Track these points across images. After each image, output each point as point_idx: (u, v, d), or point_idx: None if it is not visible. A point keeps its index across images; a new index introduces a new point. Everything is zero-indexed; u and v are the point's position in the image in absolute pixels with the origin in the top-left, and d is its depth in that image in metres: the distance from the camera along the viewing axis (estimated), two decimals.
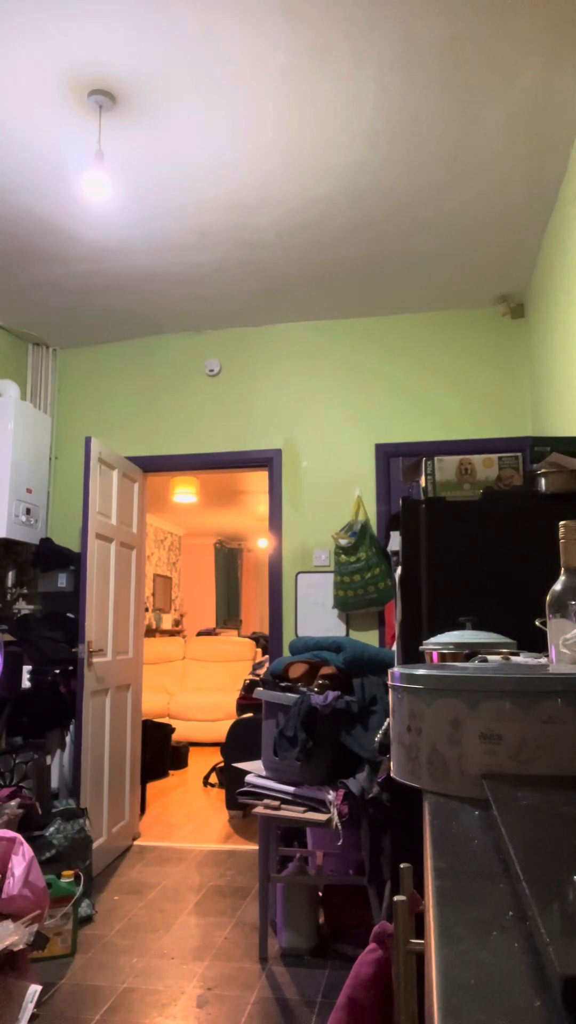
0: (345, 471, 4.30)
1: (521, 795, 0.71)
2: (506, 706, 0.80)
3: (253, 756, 4.04)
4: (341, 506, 4.27)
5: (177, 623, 9.91)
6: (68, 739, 3.96)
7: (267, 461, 4.40)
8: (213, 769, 5.71)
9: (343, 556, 4.05)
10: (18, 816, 2.99)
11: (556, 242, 3.19)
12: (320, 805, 2.77)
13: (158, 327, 4.54)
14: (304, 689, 3.03)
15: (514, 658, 1.46)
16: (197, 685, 7.95)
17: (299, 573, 4.24)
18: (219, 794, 5.33)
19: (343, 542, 4.03)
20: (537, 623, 1.50)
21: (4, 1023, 2.11)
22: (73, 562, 4.30)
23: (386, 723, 2.72)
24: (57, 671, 3.90)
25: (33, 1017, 2.30)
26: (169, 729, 5.98)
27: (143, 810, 4.73)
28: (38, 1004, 2.42)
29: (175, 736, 6.42)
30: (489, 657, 1.44)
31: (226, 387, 4.53)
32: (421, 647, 1.77)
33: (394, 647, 2.82)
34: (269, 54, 2.38)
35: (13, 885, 2.35)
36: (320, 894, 3.05)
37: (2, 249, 3.56)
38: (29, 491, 4.23)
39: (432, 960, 0.44)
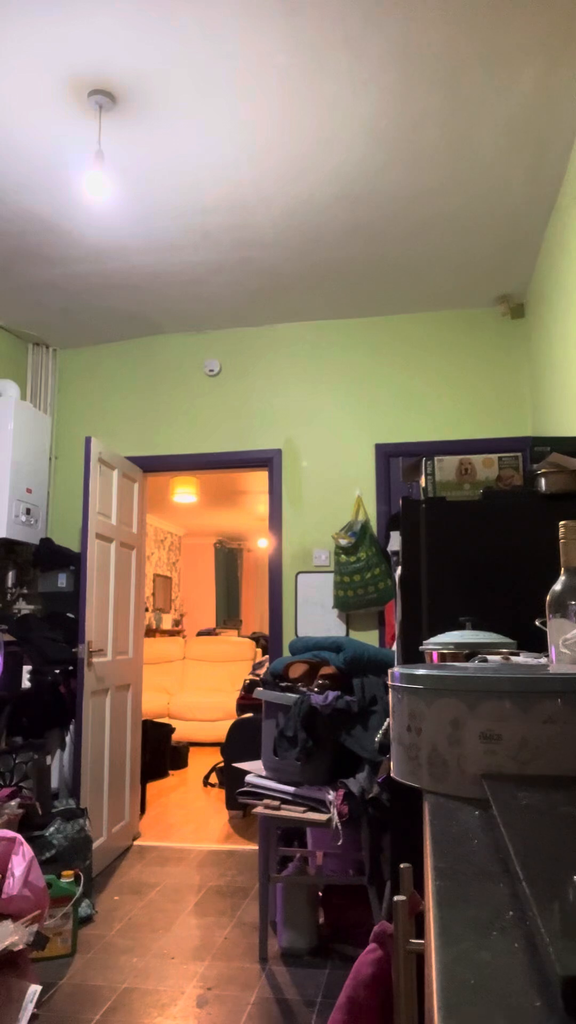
0: (345, 471, 4.30)
1: (521, 795, 0.71)
2: (506, 706, 0.80)
3: (253, 756, 4.05)
4: (341, 506, 4.27)
5: (177, 623, 9.91)
6: (68, 739, 3.96)
7: (267, 461, 4.40)
8: (213, 769, 5.71)
9: (343, 556, 4.05)
10: (18, 816, 2.99)
11: (556, 242, 3.19)
12: (320, 805, 2.77)
13: (158, 327, 4.54)
14: (304, 689, 3.03)
15: (514, 658, 1.46)
16: (197, 685, 7.95)
17: (299, 573, 4.24)
18: (219, 794, 5.33)
19: (343, 542, 4.03)
20: (537, 623, 1.50)
21: (4, 1023, 2.11)
22: (73, 562, 4.30)
23: (386, 723, 2.72)
24: (57, 671, 3.90)
25: (33, 1017, 2.30)
26: (169, 729, 5.98)
27: (143, 810, 4.73)
28: (38, 1004, 2.42)
29: (175, 736, 6.42)
30: (489, 657, 1.44)
31: (226, 387, 4.53)
32: (421, 647, 1.77)
33: (394, 647, 2.82)
34: (269, 54, 2.38)
35: (13, 885, 2.35)
36: (320, 894, 3.05)
37: (2, 249, 3.56)
38: (29, 491, 4.23)
39: (432, 960, 0.44)
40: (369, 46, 2.35)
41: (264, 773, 3.01)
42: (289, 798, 2.86)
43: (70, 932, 2.80)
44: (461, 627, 1.91)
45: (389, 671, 0.98)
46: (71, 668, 3.92)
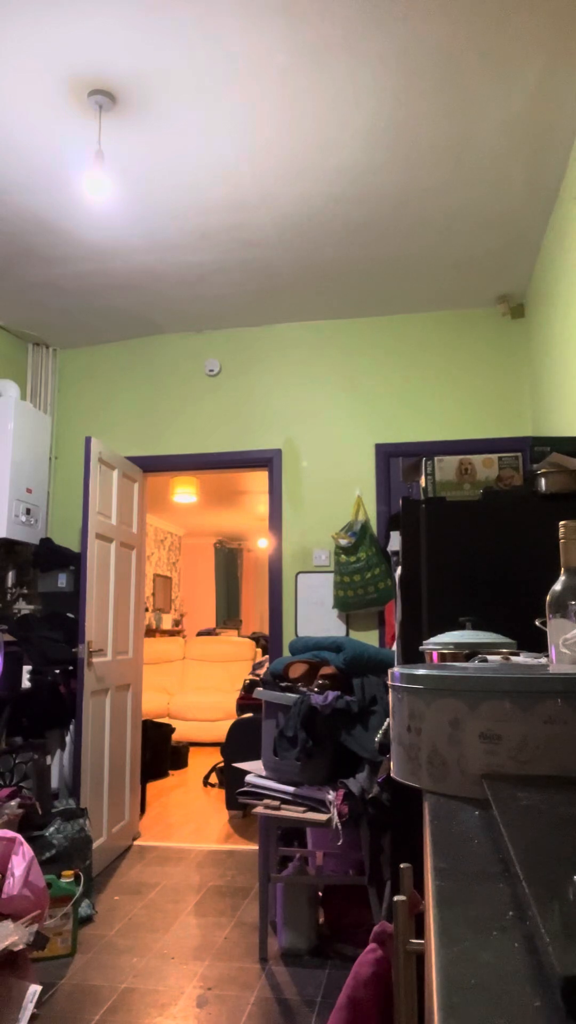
0: (345, 471, 4.30)
1: (521, 795, 0.71)
2: (506, 706, 0.80)
3: (253, 756, 4.04)
4: (341, 506, 4.27)
5: (177, 623, 9.91)
6: (68, 739, 3.95)
7: (267, 461, 4.40)
8: (213, 769, 5.71)
9: (343, 556, 4.05)
10: (18, 816, 2.99)
11: (556, 242, 3.19)
12: (320, 805, 2.77)
13: (158, 327, 4.54)
14: (304, 689, 3.03)
15: (514, 658, 1.46)
16: (197, 685, 7.95)
17: (299, 573, 4.24)
18: (219, 794, 5.33)
19: (343, 542, 4.03)
20: (537, 623, 1.50)
21: (4, 1023, 2.11)
22: (73, 562, 4.30)
23: (386, 723, 2.72)
24: (57, 671, 3.90)
25: (33, 1017, 2.30)
26: (169, 729, 5.98)
27: (143, 810, 4.73)
28: (38, 1004, 2.42)
29: (175, 736, 6.42)
30: (489, 657, 1.44)
31: (226, 387, 4.53)
32: (421, 647, 1.77)
33: (394, 647, 2.82)
34: (269, 54, 2.38)
35: (13, 885, 2.35)
36: (320, 894, 3.05)
37: (2, 249, 3.56)
38: (29, 491, 4.23)
39: (432, 960, 0.44)
40: (369, 46, 2.35)
41: (264, 773, 3.01)
42: (289, 798, 2.86)
43: (70, 932, 2.80)
44: (461, 627, 1.91)
45: (389, 671, 0.98)
46: (71, 668, 3.92)
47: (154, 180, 3.04)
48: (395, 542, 2.56)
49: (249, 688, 5.30)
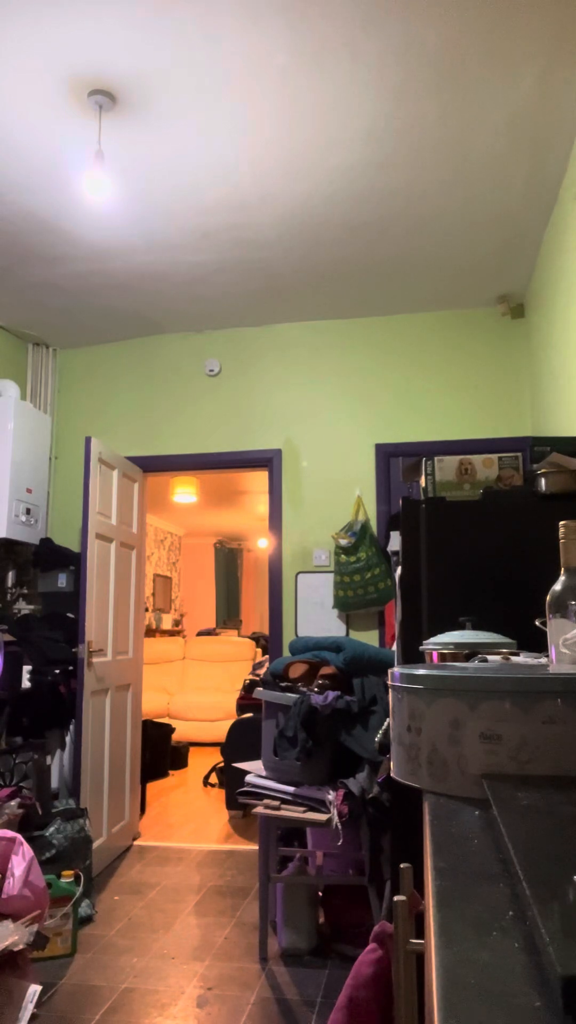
0: (345, 471, 4.30)
1: (521, 795, 0.71)
2: (506, 706, 0.80)
3: (253, 756, 4.04)
4: (341, 506, 4.27)
5: (177, 623, 9.91)
6: (68, 739, 3.95)
7: (267, 461, 4.40)
8: (213, 769, 5.71)
9: (343, 556, 4.05)
10: (18, 816, 2.99)
11: (556, 242, 3.19)
12: (320, 805, 2.77)
13: (158, 327, 4.54)
14: (304, 689, 3.03)
15: (514, 658, 1.46)
16: (197, 685, 7.95)
17: (299, 573, 4.24)
18: (219, 794, 5.33)
19: (343, 542, 4.03)
20: (537, 623, 1.50)
21: (4, 1023, 2.11)
22: (73, 562, 4.30)
23: (386, 723, 2.72)
24: (57, 671, 3.90)
25: (33, 1017, 2.30)
26: (169, 729, 5.98)
27: (143, 810, 4.73)
28: (38, 1004, 2.42)
29: (175, 736, 6.42)
30: (489, 657, 1.44)
31: (226, 387, 4.53)
32: (421, 647, 1.77)
33: (394, 647, 2.82)
34: (269, 54, 2.38)
35: (13, 885, 2.35)
36: (320, 894, 3.05)
37: (2, 249, 3.56)
38: (29, 491, 4.23)
39: (432, 960, 0.44)
40: (369, 46, 2.35)
41: (264, 773, 3.01)
42: (289, 798, 2.86)
43: (70, 932, 2.80)
44: (461, 627, 1.91)
45: (389, 671, 0.98)
46: (71, 668, 3.92)
47: (154, 180, 3.04)
48: (395, 542, 2.56)
49: (249, 688, 5.30)
